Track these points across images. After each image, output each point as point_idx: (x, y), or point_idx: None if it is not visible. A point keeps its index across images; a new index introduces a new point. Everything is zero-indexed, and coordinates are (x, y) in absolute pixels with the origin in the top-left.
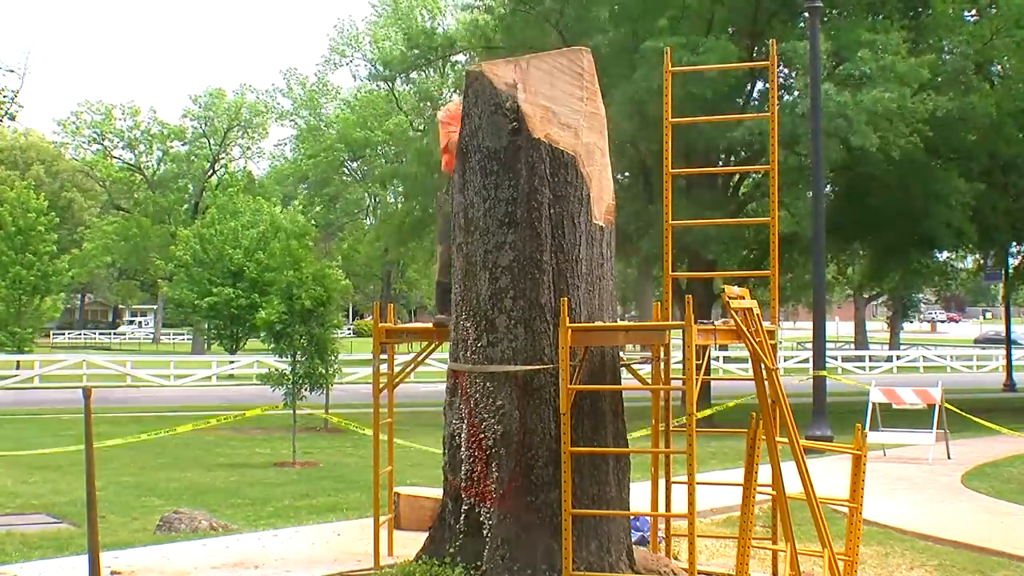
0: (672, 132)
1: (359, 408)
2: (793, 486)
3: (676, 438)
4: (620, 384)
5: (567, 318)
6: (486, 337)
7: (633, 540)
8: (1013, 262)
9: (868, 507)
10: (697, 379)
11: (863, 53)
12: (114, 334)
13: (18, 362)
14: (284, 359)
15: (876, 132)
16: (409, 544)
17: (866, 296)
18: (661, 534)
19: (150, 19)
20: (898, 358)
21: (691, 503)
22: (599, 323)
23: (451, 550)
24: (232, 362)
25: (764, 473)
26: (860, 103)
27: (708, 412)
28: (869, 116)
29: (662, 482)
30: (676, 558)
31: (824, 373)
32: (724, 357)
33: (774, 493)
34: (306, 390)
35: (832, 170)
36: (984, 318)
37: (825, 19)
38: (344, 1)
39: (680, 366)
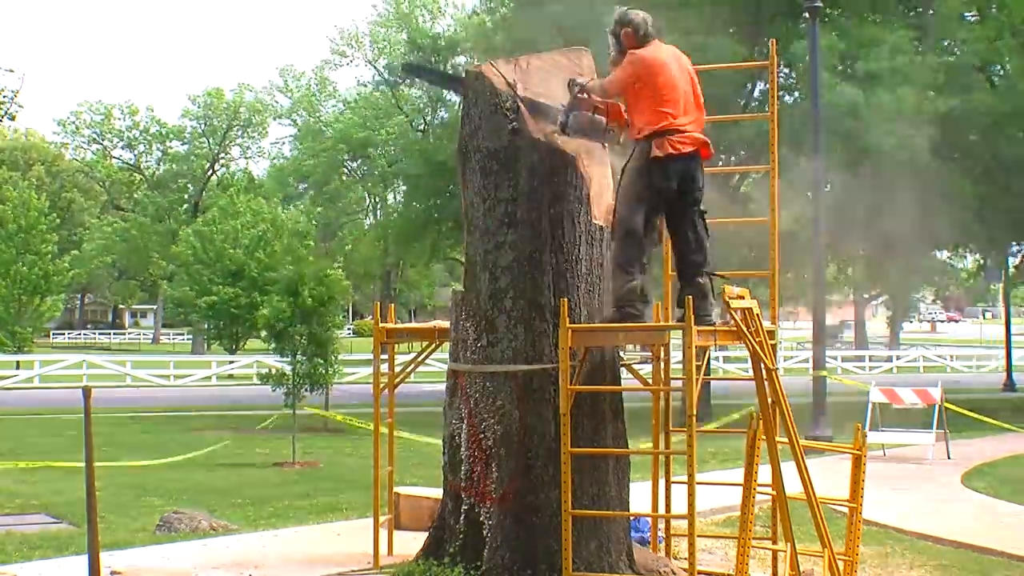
0: None
1: (359, 408)
2: (793, 486)
3: (676, 438)
4: (620, 384)
5: (567, 318)
6: (486, 337)
7: (633, 540)
8: (1013, 262)
9: (868, 507)
10: (697, 380)
11: (876, 52)
12: (114, 333)
13: (18, 362)
14: (284, 359)
15: (890, 133)
16: (409, 544)
17: (866, 296)
18: (661, 534)
19: (149, 19)
20: (898, 358)
21: (691, 503)
22: (599, 323)
23: (451, 550)
24: (232, 362)
25: (764, 473)
26: (874, 103)
27: (712, 426)
28: (885, 116)
29: (662, 482)
30: (676, 558)
31: (824, 373)
32: (724, 357)
33: (774, 493)
34: (306, 390)
35: (842, 170)
36: (984, 318)
37: (826, 19)
38: (344, 1)
39: (680, 366)
